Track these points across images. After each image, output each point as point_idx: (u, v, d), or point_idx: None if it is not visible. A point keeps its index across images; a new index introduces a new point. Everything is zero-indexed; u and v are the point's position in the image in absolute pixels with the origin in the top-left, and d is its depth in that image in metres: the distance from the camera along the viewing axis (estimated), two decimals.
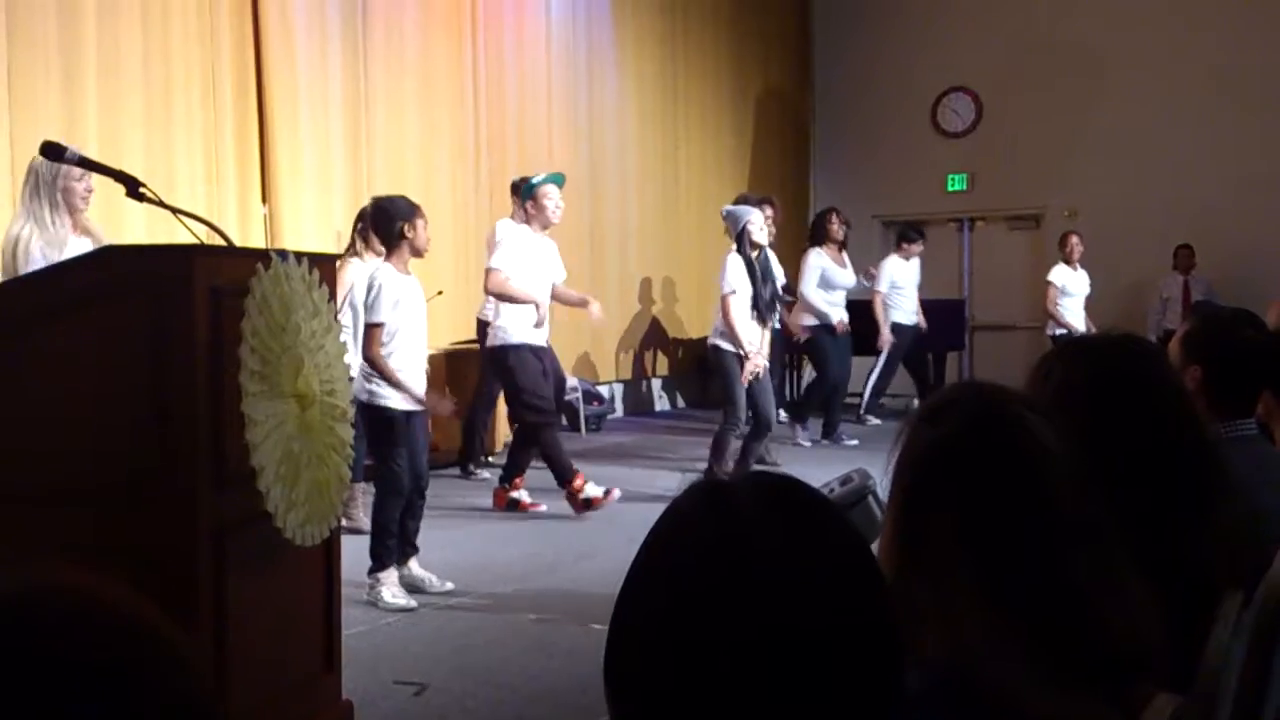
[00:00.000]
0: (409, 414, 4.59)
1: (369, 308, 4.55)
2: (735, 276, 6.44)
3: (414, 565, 4.73)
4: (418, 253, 4.66)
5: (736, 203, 7.05)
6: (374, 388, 4.53)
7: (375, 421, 4.57)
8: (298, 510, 2.57)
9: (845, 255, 8.99)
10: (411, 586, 4.64)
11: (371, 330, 4.54)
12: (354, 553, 4.09)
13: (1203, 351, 2.25)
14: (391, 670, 3.79)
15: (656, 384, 11.33)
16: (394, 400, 4.54)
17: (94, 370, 2.41)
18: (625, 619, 0.94)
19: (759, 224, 6.57)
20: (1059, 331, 9.19)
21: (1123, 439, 1.60)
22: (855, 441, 8.69)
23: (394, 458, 4.57)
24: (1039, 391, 1.67)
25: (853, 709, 0.89)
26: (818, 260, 8.81)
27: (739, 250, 6.50)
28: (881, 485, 1.35)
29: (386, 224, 4.62)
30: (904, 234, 9.88)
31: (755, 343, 6.50)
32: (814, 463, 7.16)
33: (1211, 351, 2.24)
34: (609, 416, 10.04)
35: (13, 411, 2.44)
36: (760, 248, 6.58)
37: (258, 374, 2.45)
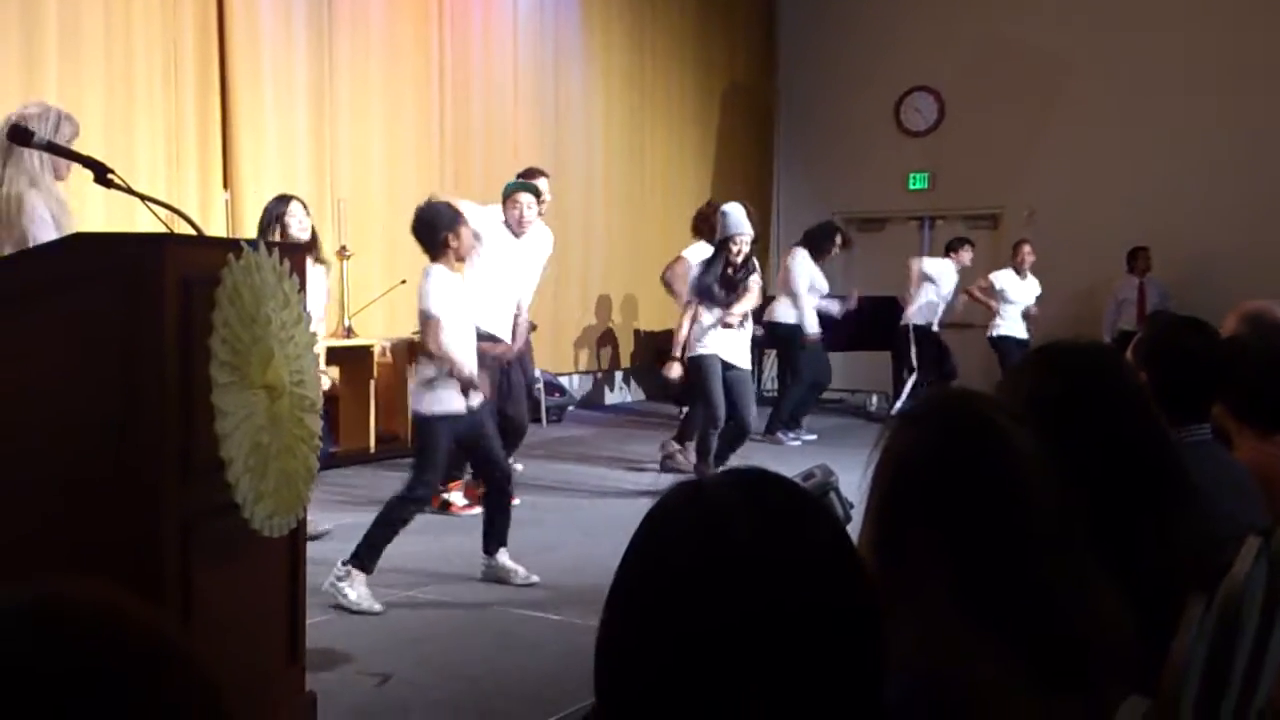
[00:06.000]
0: (462, 416, 4.52)
1: (424, 299, 4.54)
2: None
3: (503, 556, 4.75)
4: (462, 259, 4.70)
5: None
6: (426, 392, 4.50)
7: (420, 428, 4.55)
8: (266, 502, 2.56)
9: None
10: (496, 578, 4.69)
11: (428, 323, 4.51)
12: (317, 545, 4.07)
13: (1151, 358, 2.34)
14: (354, 661, 3.78)
15: (618, 376, 11.35)
16: (444, 404, 4.47)
17: (61, 360, 2.38)
18: (616, 612, 0.97)
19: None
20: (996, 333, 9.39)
21: (1090, 447, 1.63)
22: (813, 436, 8.78)
23: (430, 466, 4.50)
24: (1010, 400, 1.70)
25: (838, 689, 0.92)
26: (808, 264, 8.81)
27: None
28: (860, 487, 1.37)
29: (429, 233, 4.60)
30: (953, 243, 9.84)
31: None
32: (770, 460, 7.20)
33: (1159, 358, 2.32)
34: (569, 409, 10.06)
35: None
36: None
37: (228, 365, 2.43)
